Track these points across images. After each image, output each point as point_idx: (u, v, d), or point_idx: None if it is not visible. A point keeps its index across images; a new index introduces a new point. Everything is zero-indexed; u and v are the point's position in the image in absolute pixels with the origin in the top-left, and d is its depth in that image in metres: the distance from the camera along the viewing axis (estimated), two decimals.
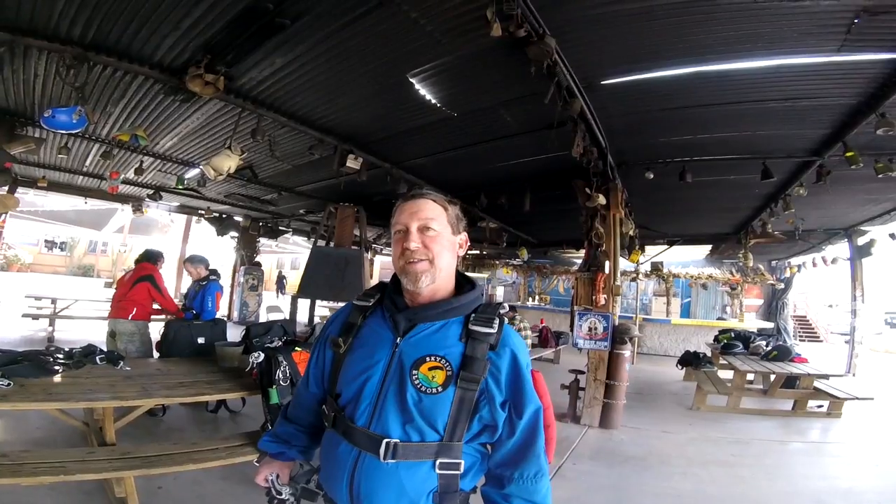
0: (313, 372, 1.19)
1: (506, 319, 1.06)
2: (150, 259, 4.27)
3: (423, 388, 0.97)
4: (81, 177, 7.74)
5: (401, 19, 2.85)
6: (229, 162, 4.23)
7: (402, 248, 1.04)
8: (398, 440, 0.95)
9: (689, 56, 3.20)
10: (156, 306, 4.21)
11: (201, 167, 4.75)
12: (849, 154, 4.13)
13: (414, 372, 0.98)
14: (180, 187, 7.10)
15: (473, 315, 1.04)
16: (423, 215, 1.06)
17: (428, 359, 0.99)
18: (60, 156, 5.83)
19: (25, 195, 10.54)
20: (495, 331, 1.01)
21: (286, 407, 1.28)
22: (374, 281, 9.17)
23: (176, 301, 6.22)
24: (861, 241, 8.42)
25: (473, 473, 1.03)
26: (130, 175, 6.98)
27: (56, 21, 3.04)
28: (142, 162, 6.22)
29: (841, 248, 9.11)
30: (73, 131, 3.77)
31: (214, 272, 4.42)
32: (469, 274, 1.40)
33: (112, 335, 3.97)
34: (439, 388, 0.96)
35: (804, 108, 3.84)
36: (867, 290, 8.72)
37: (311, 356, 1.21)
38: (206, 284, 4.28)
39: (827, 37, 2.87)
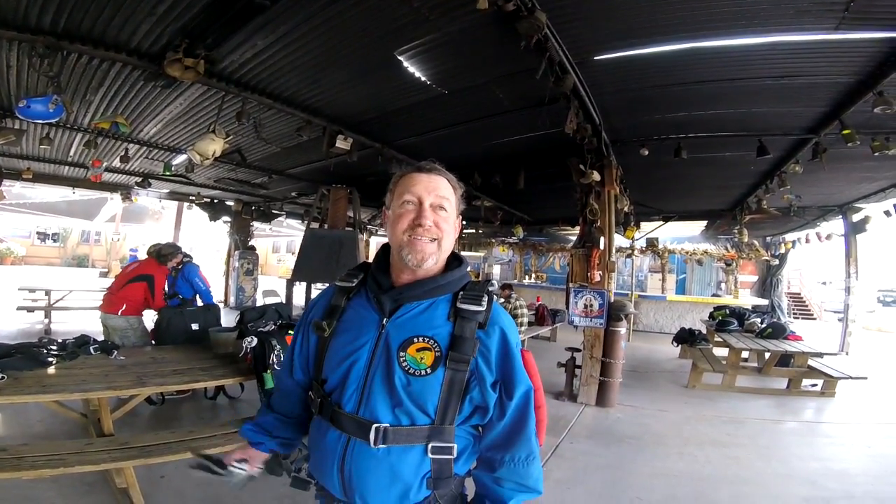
0: (298, 358, 1.15)
1: (494, 297, 1.03)
2: (159, 257, 4.09)
3: (412, 371, 0.94)
4: (67, 167, 7.61)
5: None
6: (214, 146, 4.14)
7: (414, 222, 0.99)
8: (388, 425, 0.93)
9: (684, 32, 3.12)
10: None
11: (187, 153, 4.65)
12: (845, 132, 4.11)
13: (401, 354, 0.95)
14: (168, 174, 6.99)
15: (461, 293, 1.00)
16: (440, 193, 1.02)
17: (415, 340, 0.96)
18: (43, 146, 5.70)
19: (12, 188, 10.40)
20: (484, 308, 0.98)
21: (270, 397, 1.24)
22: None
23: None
24: (856, 217, 8.43)
25: (467, 456, 1.01)
26: (116, 163, 6.85)
27: (24, 10, 2.92)
28: (127, 150, 6.08)
29: (836, 225, 9.11)
30: (51, 121, 3.67)
31: (184, 254, 4.36)
32: (464, 252, 1.36)
33: (105, 328, 3.92)
34: (428, 370, 0.94)
35: (800, 85, 3.78)
36: (861, 268, 8.75)
37: (294, 342, 1.17)
38: (182, 268, 4.23)
39: (825, 14, 2.81)
